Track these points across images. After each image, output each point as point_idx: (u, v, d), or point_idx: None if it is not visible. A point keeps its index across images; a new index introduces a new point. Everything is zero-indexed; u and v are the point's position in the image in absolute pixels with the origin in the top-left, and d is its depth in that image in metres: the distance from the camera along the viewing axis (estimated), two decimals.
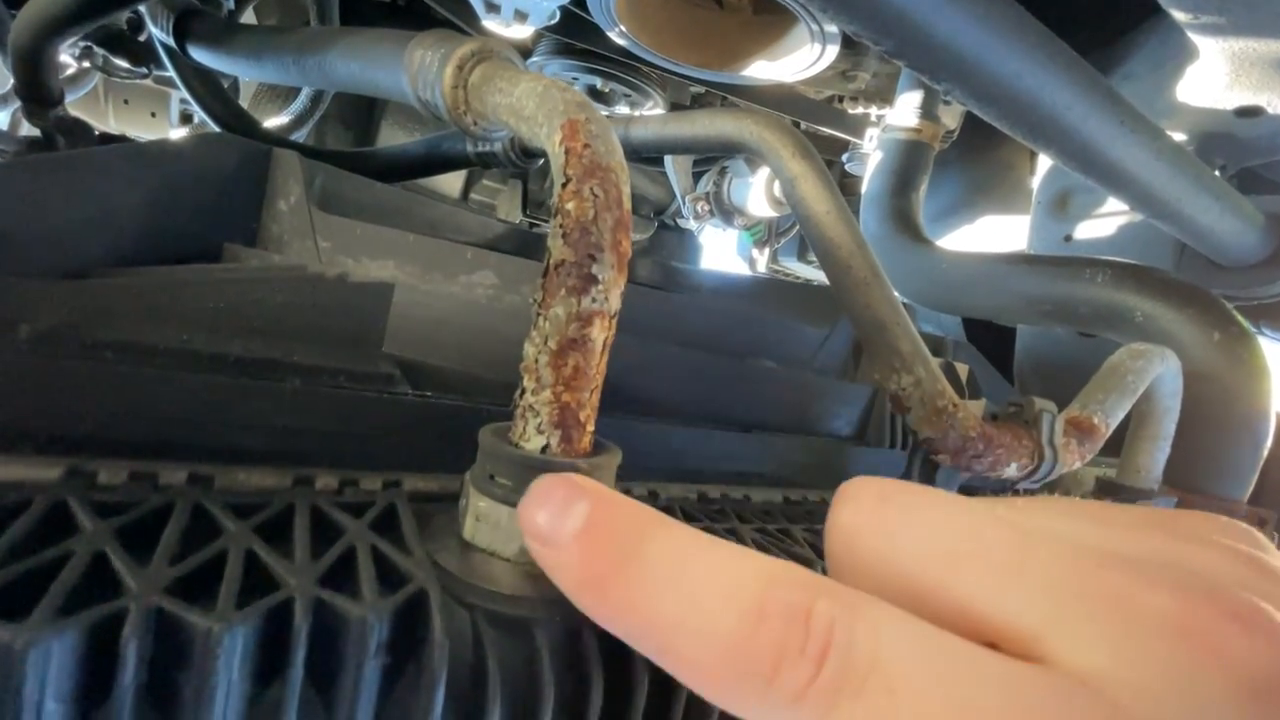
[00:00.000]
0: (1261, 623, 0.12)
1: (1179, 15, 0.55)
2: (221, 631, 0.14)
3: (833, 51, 0.71)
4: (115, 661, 0.13)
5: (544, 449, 0.21)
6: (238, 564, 0.16)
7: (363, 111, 1.21)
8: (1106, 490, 0.48)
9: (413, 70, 0.32)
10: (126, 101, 1.20)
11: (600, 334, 0.21)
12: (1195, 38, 0.66)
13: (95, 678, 0.14)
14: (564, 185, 0.21)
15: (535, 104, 0.24)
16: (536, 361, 0.21)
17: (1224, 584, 0.12)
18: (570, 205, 0.21)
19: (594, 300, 0.21)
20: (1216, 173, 0.62)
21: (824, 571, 0.25)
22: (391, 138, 1.20)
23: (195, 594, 0.15)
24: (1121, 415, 0.39)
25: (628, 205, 0.22)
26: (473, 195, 1.36)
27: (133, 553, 0.16)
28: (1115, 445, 0.45)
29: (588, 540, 0.15)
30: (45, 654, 0.13)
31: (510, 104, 0.26)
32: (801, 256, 1.46)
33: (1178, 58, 0.70)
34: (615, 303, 0.22)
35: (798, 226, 1.36)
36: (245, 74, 0.53)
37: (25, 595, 0.14)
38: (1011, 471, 0.33)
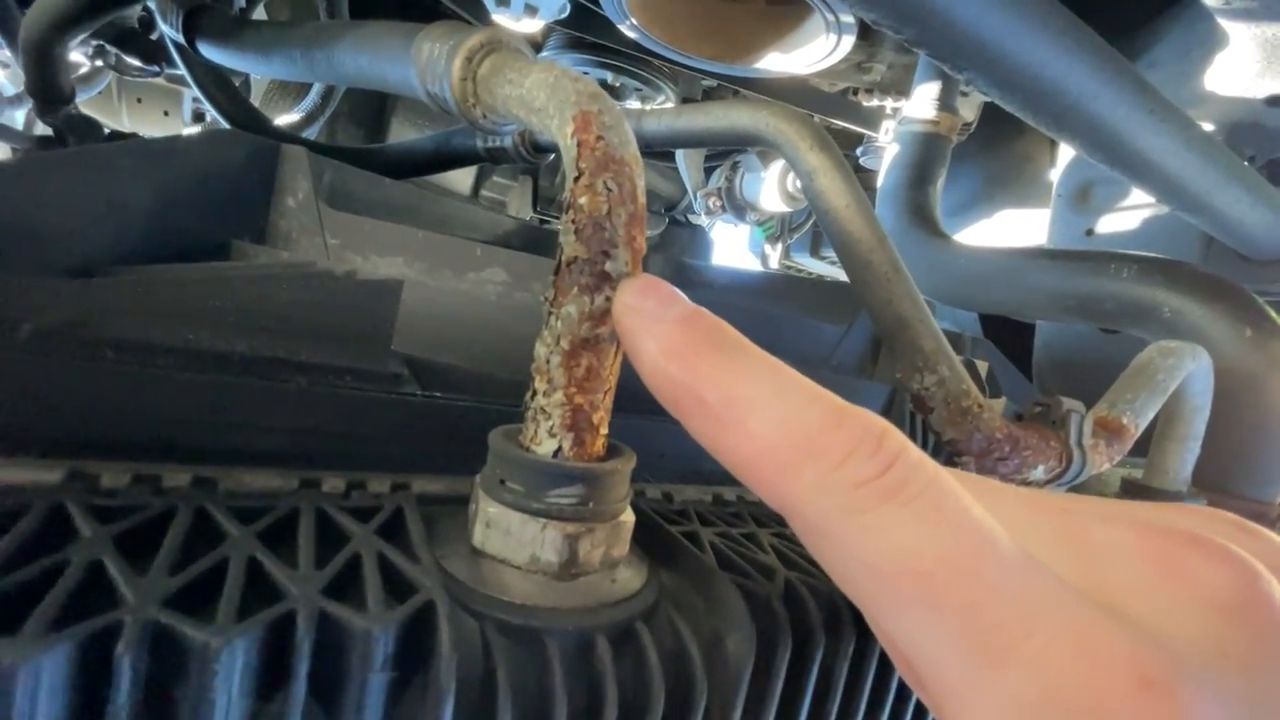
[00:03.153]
0: (1218, 550, 0.12)
1: (1209, 0, 0.53)
2: (220, 645, 0.13)
3: (848, 42, 0.69)
4: (110, 677, 0.13)
5: (556, 453, 0.20)
6: (239, 573, 0.16)
7: (373, 108, 1.21)
8: (1133, 491, 0.46)
9: (421, 63, 0.32)
10: (140, 100, 1.21)
11: (614, 333, 0.21)
12: (1225, 23, 0.64)
13: (89, 694, 0.13)
14: (576, 179, 0.20)
15: (546, 95, 0.23)
16: (548, 362, 0.21)
17: (1187, 526, 0.13)
18: (583, 200, 0.20)
19: (608, 299, 0.20)
20: (1245, 164, 0.60)
21: None
22: (402, 134, 1.20)
23: (195, 604, 0.15)
24: (1152, 415, 0.38)
25: (643, 200, 0.21)
26: (483, 192, 1.36)
27: (133, 560, 0.16)
28: (1141, 444, 0.44)
29: (690, 322, 0.16)
30: (36, 671, 0.12)
31: (520, 96, 0.25)
32: (814, 252, 1.45)
33: (1205, 45, 0.68)
34: None
35: (811, 221, 1.34)
36: (255, 70, 0.53)
37: (19, 606, 0.13)
38: (1038, 474, 0.32)
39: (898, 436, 0.14)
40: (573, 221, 0.20)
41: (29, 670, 0.12)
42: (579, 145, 0.21)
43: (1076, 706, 0.10)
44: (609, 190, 0.20)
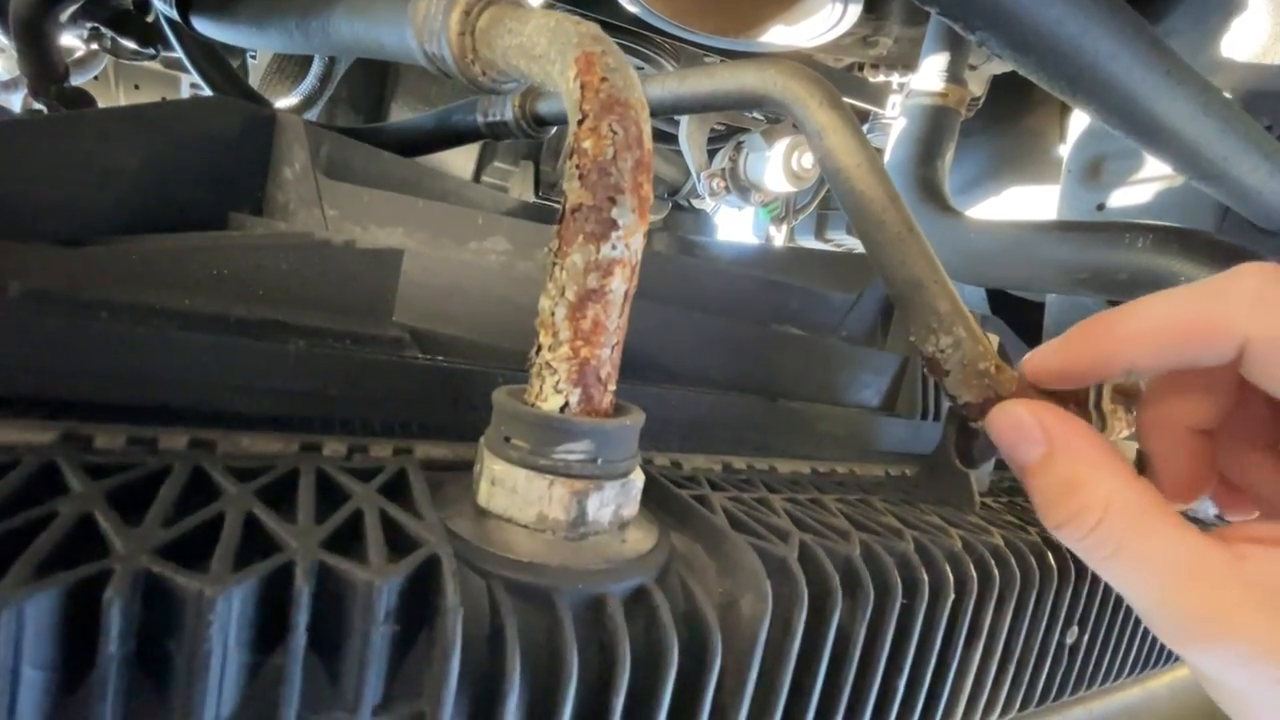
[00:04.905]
0: None
1: None
2: (215, 595, 0.13)
3: (854, 12, 0.68)
4: (100, 628, 0.12)
5: (563, 408, 0.20)
6: (236, 526, 0.15)
7: (373, 93, 1.19)
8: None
9: (418, 22, 0.31)
10: (137, 86, 1.20)
11: (621, 284, 0.20)
12: None
13: (79, 645, 0.12)
14: (580, 123, 0.20)
15: (547, 41, 0.22)
16: (553, 315, 0.20)
17: None
18: (587, 144, 0.19)
19: (614, 247, 0.19)
20: (1265, 130, 0.59)
21: (862, 546, 0.23)
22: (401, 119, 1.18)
23: (192, 559, 0.14)
24: None
25: (649, 145, 0.20)
26: (484, 177, 1.34)
27: (126, 516, 0.15)
28: None
29: None
30: (18, 617, 0.11)
31: (520, 44, 0.24)
32: (819, 234, 1.43)
33: (1223, 10, 0.66)
34: (637, 250, 0.20)
35: (815, 202, 1.33)
36: (250, 43, 0.52)
37: (5, 558, 0.13)
38: None
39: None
40: (577, 167, 0.19)
41: (11, 614, 0.11)
42: (582, 87, 0.20)
43: None
44: (614, 133, 0.19)
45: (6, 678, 0.11)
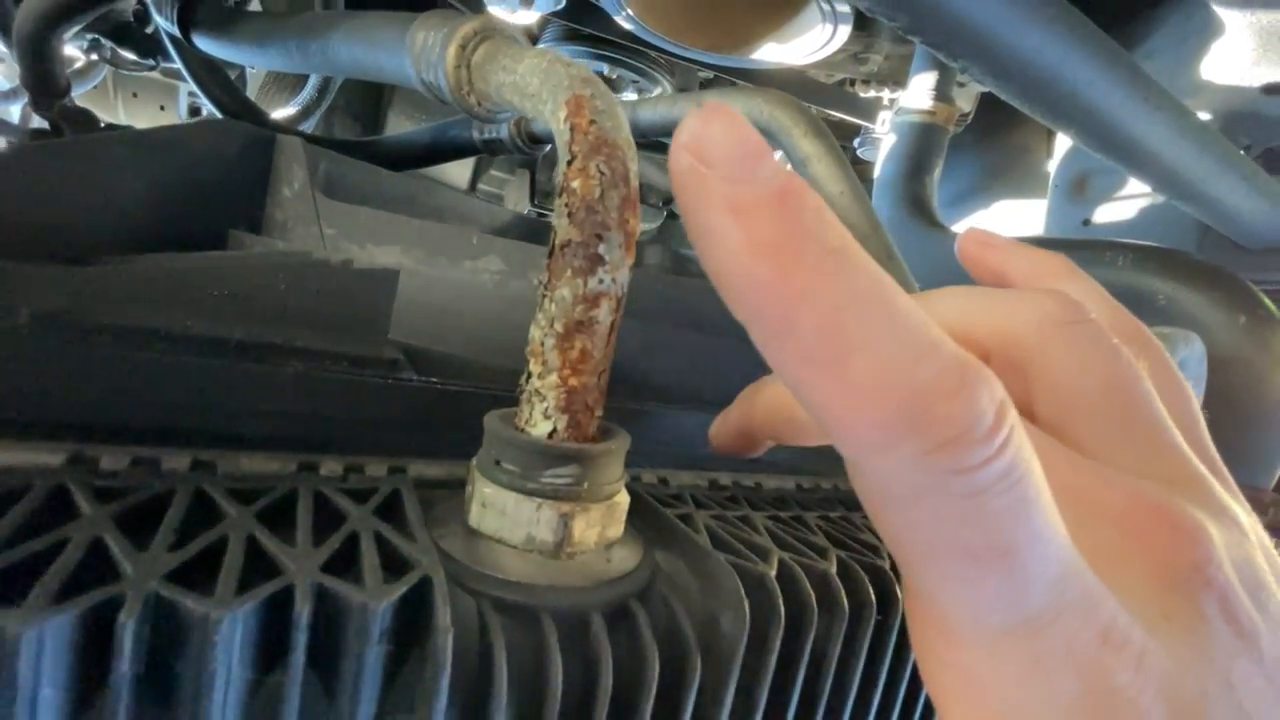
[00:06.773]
0: (1189, 533, 0.14)
1: None
2: (220, 618, 0.14)
3: (844, 32, 0.69)
4: (112, 649, 0.13)
5: (551, 434, 0.21)
6: (238, 550, 0.16)
7: (370, 102, 1.20)
8: None
9: (415, 51, 0.32)
10: (135, 95, 1.21)
11: (608, 316, 0.21)
12: (1221, 11, 0.64)
13: (92, 665, 0.13)
14: (569, 163, 0.21)
15: (539, 81, 0.23)
16: (542, 345, 0.21)
17: (1171, 504, 0.15)
18: (576, 183, 0.20)
19: (601, 281, 0.20)
20: (1241, 152, 0.60)
21: (839, 563, 0.25)
22: (398, 128, 1.19)
23: (196, 580, 0.15)
24: None
25: (635, 183, 0.21)
26: (480, 186, 1.35)
27: (133, 539, 0.16)
28: None
29: (789, 202, 0.11)
30: (39, 640, 0.12)
31: (514, 82, 0.25)
32: None
33: (1202, 33, 0.68)
34: (623, 284, 0.21)
35: None
36: (250, 62, 0.53)
37: (21, 581, 0.13)
38: None
39: (1012, 412, 0.12)
40: (565, 205, 0.20)
41: (32, 639, 0.12)
42: (572, 129, 0.21)
43: (1052, 648, 0.13)
44: (601, 174, 0.20)
45: (27, 699, 0.12)
